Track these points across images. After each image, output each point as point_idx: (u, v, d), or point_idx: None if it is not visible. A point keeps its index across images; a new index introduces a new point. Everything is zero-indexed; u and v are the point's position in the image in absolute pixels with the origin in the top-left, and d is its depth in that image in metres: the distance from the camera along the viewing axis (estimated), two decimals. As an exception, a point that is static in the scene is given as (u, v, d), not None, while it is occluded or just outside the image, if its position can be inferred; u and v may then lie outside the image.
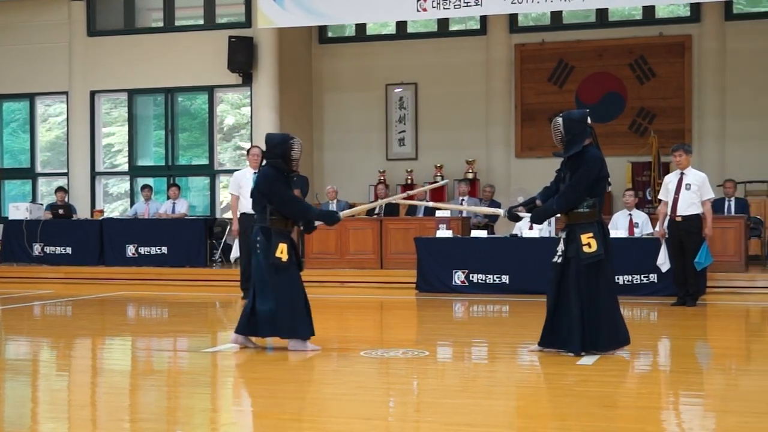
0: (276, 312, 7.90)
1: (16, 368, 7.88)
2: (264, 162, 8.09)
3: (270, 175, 7.97)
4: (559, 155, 7.99)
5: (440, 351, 8.63)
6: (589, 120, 7.93)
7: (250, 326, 8.09)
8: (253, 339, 8.20)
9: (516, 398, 6.51)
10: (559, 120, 7.88)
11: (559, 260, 7.74)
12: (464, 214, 15.06)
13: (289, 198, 8.02)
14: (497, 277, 13.48)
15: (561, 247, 7.75)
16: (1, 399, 6.52)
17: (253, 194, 8.16)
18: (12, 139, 21.28)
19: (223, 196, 19.27)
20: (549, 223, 14.61)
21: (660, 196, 12.14)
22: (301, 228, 8.50)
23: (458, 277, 13.62)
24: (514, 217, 8.19)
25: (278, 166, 7.97)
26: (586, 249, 7.56)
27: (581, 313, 7.58)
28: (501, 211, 8.39)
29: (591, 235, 7.58)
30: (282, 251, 7.88)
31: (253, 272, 8.13)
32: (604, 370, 7.45)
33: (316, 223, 8.39)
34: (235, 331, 8.17)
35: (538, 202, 8.09)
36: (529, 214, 8.05)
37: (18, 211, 17.68)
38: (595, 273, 7.60)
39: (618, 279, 12.97)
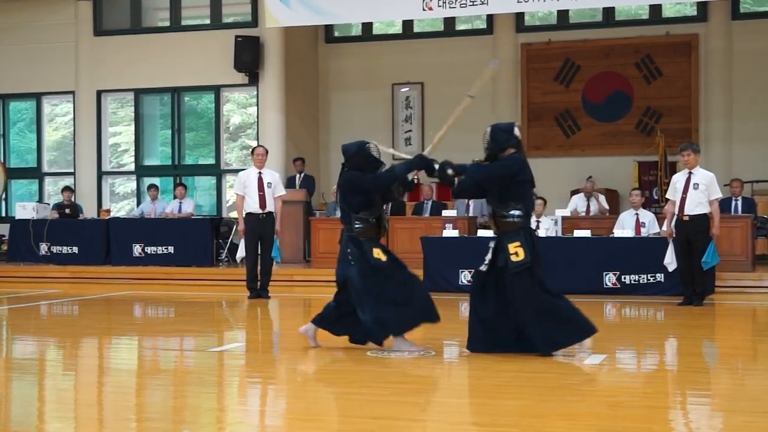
0: (375, 320, 7.79)
1: (23, 367, 7.89)
2: (343, 171, 8.06)
3: (352, 175, 7.96)
4: (483, 162, 8.03)
5: (447, 350, 8.62)
6: (517, 132, 8.00)
7: (340, 325, 8.03)
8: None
9: (522, 398, 6.49)
10: (488, 129, 8.06)
11: (485, 269, 7.77)
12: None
13: (372, 179, 7.94)
14: (503, 277, 13.44)
15: (488, 256, 7.79)
16: (8, 398, 6.52)
17: (341, 204, 8.13)
18: (19, 138, 21.31)
19: (230, 196, 19.28)
20: (556, 223, 14.62)
21: (667, 196, 12.12)
22: (404, 188, 8.30)
23: (465, 276, 13.60)
24: (420, 158, 8.21)
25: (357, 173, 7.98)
26: (513, 258, 7.60)
27: (524, 321, 7.61)
28: (436, 165, 8.34)
29: (518, 244, 7.63)
30: (378, 253, 7.84)
31: (348, 285, 7.95)
32: (610, 369, 7.45)
33: (410, 176, 8.23)
34: (314, 321, 8.09)
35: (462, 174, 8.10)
36: (448, 172, 8.03)
37: (25, 210, 17.70)
38: (527, 280, 7.62)
39: (625, 279, 13.00)
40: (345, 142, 8.27)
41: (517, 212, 7.71)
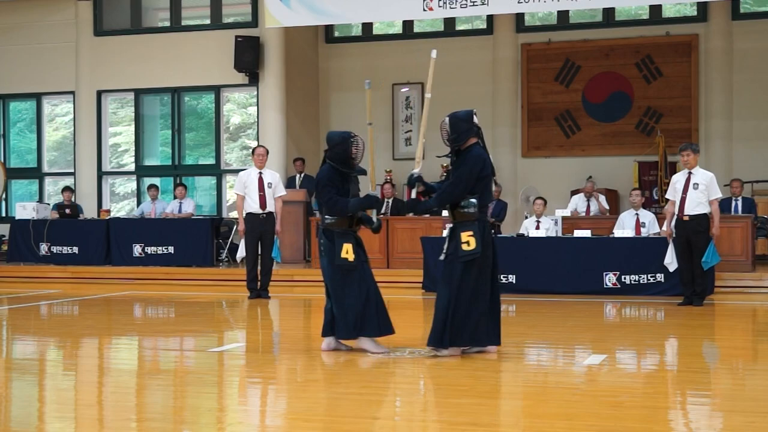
0: (345, 314, 7.82)
1: (24, 368, 7.89)
2: (323, 162, 8.02)
3: (324, 173, 7.92)
4: (446, 156, 7.95)
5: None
6: (475, 119, 7.94)
7: (331, 327, 8.05)
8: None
9: (522, 398, 6.50)
10: (446, 120, 7.92)
11: (443, 258, 7.79)
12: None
13: (328, 198, 7.88)
14: (504, 277, 13.45)
15: (445, 245, 7.81)
16: (9, 398, 6.53)
17: (316, 194, 8.12)
18: (19, 138, 21.31)
19: (230, 196, 19.28)
20: (556, 223, 14.62)
21: (667, 196, 12.13)
22: (371, 230, 8.25)
23: (465, 276, 13.58)
24: (412, 183, 8.08)
25: (334, 166, 7.92)
26: (464, 246, 7.62)
27: (446, 307, 7.59)
28: (415, 171, 8.31)
29: (471, 233, 7.64)
30: (347, 251, 7.82)
31: (324, 276, 8.02)
32: (611, 369, 7.45)
33: (374, 218, 8.21)
34: (322, 334, 8.11)
35: (432, 196, 8.05)
36: (414, 198, 8.07)
37: (25, 210, 17.70)
38: (468, 270, 7.62)
39: (625, 279, 12.99)
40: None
41: (473, 204, 7.72)
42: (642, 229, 13.84)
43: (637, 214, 14.04)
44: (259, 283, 12.85)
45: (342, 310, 7.85)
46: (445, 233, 7.91)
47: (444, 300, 7.63)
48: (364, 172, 8.18)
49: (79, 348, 9.04)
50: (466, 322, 7.65)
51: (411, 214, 9.37)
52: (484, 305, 7.70)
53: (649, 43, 18.78)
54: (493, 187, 8.02)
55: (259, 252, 12.78)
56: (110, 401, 6.41)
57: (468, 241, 7.62)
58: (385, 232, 15.53)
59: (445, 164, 19.00)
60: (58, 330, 10.27)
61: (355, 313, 7.83)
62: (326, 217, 7.95)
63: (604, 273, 13.13)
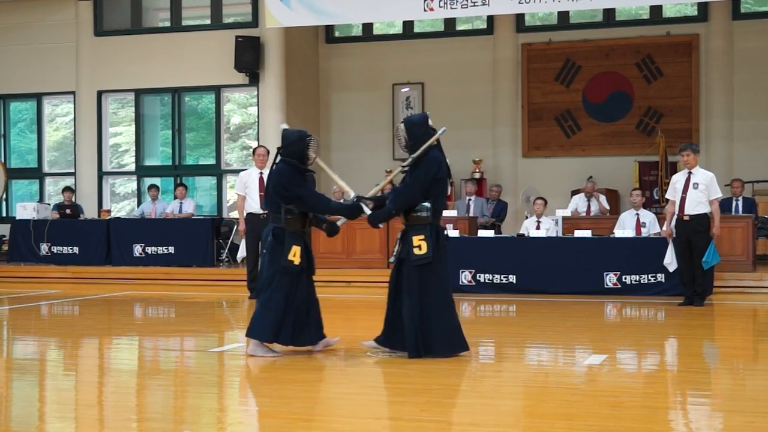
0: (261, 314, 7.71)
1: (24, 368, 7.89)
2: (278, 158, 7.91)
3: (286, 171, 7.79)
4: (406, 161, 7.86)
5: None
6: (430, 122, 7.87)
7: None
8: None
9: (523, 398, 6.50)
10: (401, 126, 7.84)
11: (393, 261, 7.76)
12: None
13: (309, 191, 7.86)
14: (504, 277, 13.47)
15: (396, 248, 7.76)
16: (9, 398, 6.53)
17: (267, 192, 7.96)
18: (19, 138, 21.32)
19: (230, 196, 19.29)
20: (557, 223, 14.62)
21: (667, 196, 12.13)
22: (325, 231, 8.22)
23: (465, 276, 13.61)
24: (358, 208, 7.93)
25: (293, 164, 7.81)
26: (416, 251, 7.57)
27: (411, 317, 7.56)
28: (351, 194, 8.30)
29: (422, 237, 7.59)
30: (295, 254, 7.70)
31: (262, 272, 7.94)
32: (611, 369, 7.45)
33: (339, 222, 8.21)
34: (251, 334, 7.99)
35: (387, 202, 7.98)
36: (369, 212, 7.92)
37: (25, 210, 17.71)
38: (425, 275, 7.59)
39: (625, 279, 12.99)
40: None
41: (426, 207, 7.66)
42: (642, 229, 13.84)
43: (637, 214, 14.04)
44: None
45: (265, 310, 7.70)
46: (398, 236, 7.81)
47: (407, 308, 7.58)
48: (311, 180, 8.13)
49: (79, 348, 9.04)
50: (446, 330, 7.63)
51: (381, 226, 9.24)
52: (448, 309, 7.68)
53: (650, 43, 18.79)
54: (448, 190, 7.95)
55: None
56: (110, 401, 6.41)
57: (419, 245, 7.57)
58: (386, 232, 15.52)
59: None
60: (58, 330, 10.28)
61: (275, 318, 7.67)
62: (285, 215, 7.76)
63: (605, 273, 13.13)
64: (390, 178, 8.30)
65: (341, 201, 15.01)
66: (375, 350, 7.90)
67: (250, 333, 7.83)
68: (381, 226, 8.06)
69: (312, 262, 7.99)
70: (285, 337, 7.78)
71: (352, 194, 8.09)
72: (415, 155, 7.68)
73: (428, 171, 7.66)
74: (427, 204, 7.66)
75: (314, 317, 7.95)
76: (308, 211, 7.91)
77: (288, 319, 7.72)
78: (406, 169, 7.81)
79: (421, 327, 7.56)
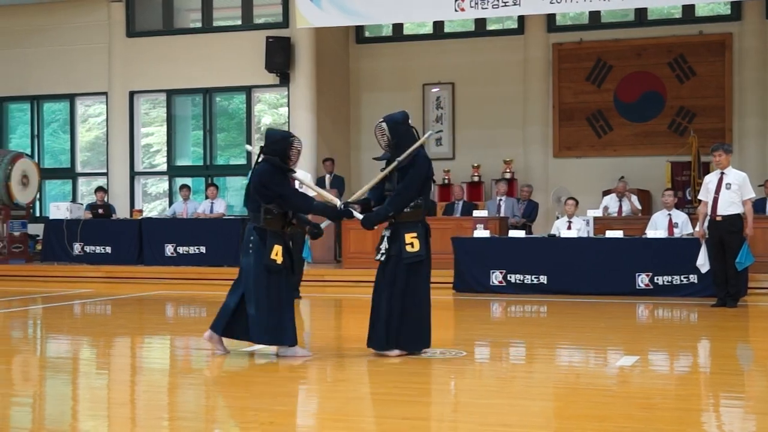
0: (264, 317, 7.67)
1: (57, 366, 7.96)
2: (260, 158, 7.86)
3: (267, 169, 7.75)
4: (382, 158, 7.87)
5: (478, 351, 8.61)
6: (410, 120, 7.89)
7: (229, 328, 7.86)
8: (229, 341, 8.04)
9: (553, 399, 6.47)
10: (383, 125, 7.81)
11: (382, 258, 7.73)
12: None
13: (291, 190, 7.85)
14: (535, 278, 13.42)
15: (384, 245, 7.73)
16: (42, 397, 6.58)
17: (248, 192, 7.95)
18: (52, 139, 21.50)
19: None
20: (588, 224, 14.55)
21: (700, 196, 12.04)
22: (308, 233, 8.23)
23: (496, 277, 13.58)
24: (347, 213, 7.92)
25: (274, 162, 7.77)
26: (409, 248, 7.58)
27: (389, 310, 7.56)
28: (337, 202, 8.28)
29: (415, 235, 7.61)
30: (277, 253, 7.67)
31: (243, 274, 7.85)
32: (643, 371, 7.40)
33: (323, 224, 8.17)
34: (211, 327, 7.94)
35: (372, 203, 7.98)
36: (362, 216, 7.89)
37: (58, 210, 17.87)
38: (414, 273, 7.61)
39: (657, 280, 12.91)
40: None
41: (415, 205, 7.68)
42: (675, 230, 13.74)
43: (669, 214, 13.94)
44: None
45: (261, 312, 7.65)
46: (385, 233, 7.78)
47: (387, 303, 7.57)
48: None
49: (111, 347, 9.11)
50: (419, 327, 7.64)
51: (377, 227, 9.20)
52: (426, 307, 7.73)
53: (682, 42, 18.66)
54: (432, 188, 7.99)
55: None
56: (142, 400, 6.45)
57: (412, 242, 7.59)
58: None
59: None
60: (91, 329, 10.35)
61: (273, 319, 7.65)
62: (265, 215, 7.74)
63: (637, 274, 13.05)
64: (375, 181, 8.28)
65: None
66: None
67: (256, 338, 7.76)
68: (376, 227, 8.03)
69: (293, 263, 7.98)
70: (289, 338, 7.75)
71: (338, 202, 8.13)
72: (402, 157, 7.65)
73: (421, 170, 7.70)
74: (417, 201, 7.68)
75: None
76: (290, 211, 7.87)
77: (287, 318, 7.71)
78: (384, 169, 7.77)
79: (399, 322, 7.57)
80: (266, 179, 7.72)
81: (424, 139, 7.81)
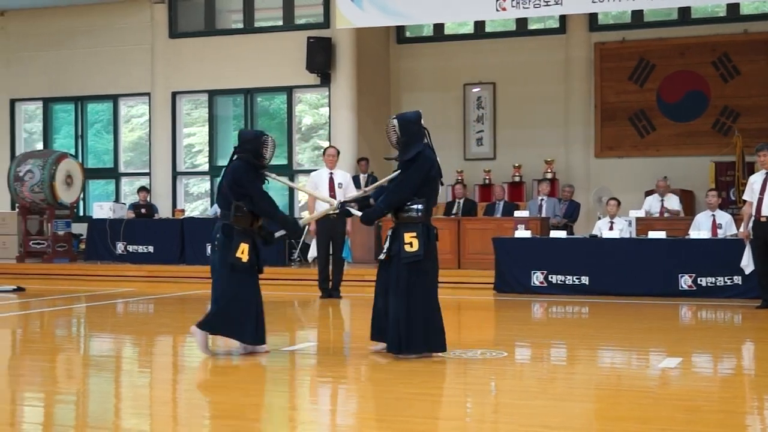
0: (225, 312, 7.76)
1: (100, 364, 8.04)
2: (234, 157, 7.91)
3: (241, 167, 7.80)
4: (393, 158, 7.91)
5: (519, 352, 8.57)
6: (422, 121, 7.83)
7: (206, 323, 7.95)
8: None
9: (595, 400, 6.43)
10: (394, 122, 7.79)
11: (384, 257, 7.73)
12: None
13: (259, 191, 7.85)
14: (577, 278, 13.34)
15: (386, 244, 7.74)
16: (86, 395, 6.64)
17: (220, 188, 7.98)
18: (96, 139, 21.71)
19: (301, 196, 19.39)
20: (630, 224, 14.44)
21: (744, 197, 11.90)
22: (262, 238, 8.10)
23: (537, 277, 13.51)
24: (346, 213, 8.02)
25: (249, 161, 7.81)
26: (407, 248, 7.54)
27: (396, 313, 7.53)
28: (334, 202, 8.24)
29: (414, 234, 7.56)
30: (243, 251, 7.71)
31: (211, 270, 7.98)
32: (686, 372, 7.33)
33: (278, 234, 8.15)
34: (197, 324, 8.00)
35: (371, 200, 8.00)
36: (360, 213, 7.93)
37: (102, 210, 18.05)
38: (415, 273, 7.56)
39: (701, 281, 12.78)
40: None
41: (418, 207, 7.65)
42: (718, 231, 13.60)
43: (713, 215, 13.81)
44: (330, 283, 12.90)
45: (222, 306, 7.75)
46: (388, 233, 7.80)
47: (392, 305, 7.57)
48: (266, 170, 8.07)
49: (154, 345, 9.18)
50: (426, 328, 7.61)
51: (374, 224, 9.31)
52: (433, 308, 7.68)
53: (727, 41, 18.45)
54: (439, 189, 7.94)
55: (331, 252, 12.83)
56: (184, 398, 6.49)
57: (411, 242, 7.56)
58: (456, 232, 15.51)
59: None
60: (133, 327, 10.44)
61: (233, 314, 7.73)
62: (234, 212, 7.78)
63: (680, 275, 12.93)
64: (376, 185, 8.27)
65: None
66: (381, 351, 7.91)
67: (210, 328, 7.88)
68: (374, 224, 8.05)
69: (261, 261, 7.99)
70: (250, 335, 7.81)
71: (336, 202, 8.17)
72: (407, 157, 7.64)
73: (421, 170, 7.66)
74: (420, 203, 7.66)
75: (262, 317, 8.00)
76: (256, 211, 7.89)
77: (251, 316, 7.77)
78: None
79: (405, 323, 7.54)
80: (239, 176, 7.81)
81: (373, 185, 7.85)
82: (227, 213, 7.85)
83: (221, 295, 7.82)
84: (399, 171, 7.77)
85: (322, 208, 12.67)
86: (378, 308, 7.85)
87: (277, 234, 8.18)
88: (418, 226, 7.62)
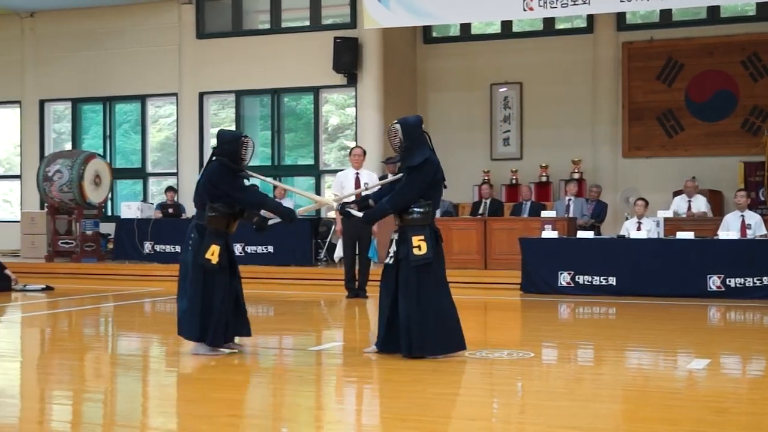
0: (188, 312, 7.75)
1: (128, 363, 8.08)
2: (212, 158, 7.91)
3: (217, 168, 7.81)
4: (393, 161, 7.87)
5: (545, 352, 8.55)
6: (423, 125, 7.91)
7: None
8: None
9: (622, 401, 6.39)
10: (397, 126, 7.82)
11: (391, 261, 7.69)
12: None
13: (240, 188, 7.86)
14: (604, 279, 13.28)
15: (393, 248, 7.70)
16: (113, 393, 6.68)
17: (197, 189, 7.99)
18: (124, 139, 21.84)
19: (328, 196, 19.41)
20: (658, 224, 14.35)
21: (774, 197, 11.82)
22: (254, 226, 8.17)
23: (564, 278, 13.46)
24: (345, 214, 8.01)
25: (225, 162, 7.80)
26: (416, 251, 7.51)
27: (407, 316, 7.48)
28: (333, 204, 8.23)
29: (422, 237, 7.54)
30: (213, 253, 7.72)
31: (180, 269, 7.96)
32: (714, 374, 7.28)
33: (271, 221, 8.16)
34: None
35: (371, 201, 7.98)
36: (361, 213, 7.92)
37: (129, 210, 18.15)
38: (424, 276, 7.53)
39: (729, 282, 12.69)
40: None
41: (424, 209, 7.64)
42: (748, 231, 13.51)
43: (742, 215, 13.71)
44: (356, 283, 12.91)
45: (190, 309, 7.72)
46: (394, 236, 7.76)
47: (404, 308, 7.53)
48: (248, 175, 8.07)
49: (181, 345, 9.21)
50: (443, 328, 7.57)
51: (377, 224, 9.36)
52: (447, 308, 7.63)
53: (756, 40, 18.31)
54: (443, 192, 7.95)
55: (357, 252, 12.84)
56: (211, 397, 6.51)
57: (419, 245, 7.55)
58: (483, 233, 15.47)
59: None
60: (161, 327, 10.48)
61: (204, 315, 7.71)
62: (209, 213, 7.80)
63: (708, 276, 12.83)
64: (373, 187, 8.27)
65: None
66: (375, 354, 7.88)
67: (181, 332, 7.89)
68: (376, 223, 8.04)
69: (234, 263, 7.99)
70: (217, 338, 7.80)
71: (335, 204, 8.19)
72: (412, 164, 7.66)
73: (426, 175, 7.68)
74: (424, 208, 7.65)
75: (242, 312, 8.00)
76: (242, 207, 7.92)
77: (213, 318, 7.74)
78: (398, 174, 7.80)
79: (419, 327, 7.51)
80: (216, 178, 7.82)
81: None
82: (202, 213, 7.90)
83: (191, 298, 7.77)
84: (403, 175, 7.77)
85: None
86: (384, 316, 7.78)
87: (271, 221, 8.20)
88: (425, 229, 7.62)
